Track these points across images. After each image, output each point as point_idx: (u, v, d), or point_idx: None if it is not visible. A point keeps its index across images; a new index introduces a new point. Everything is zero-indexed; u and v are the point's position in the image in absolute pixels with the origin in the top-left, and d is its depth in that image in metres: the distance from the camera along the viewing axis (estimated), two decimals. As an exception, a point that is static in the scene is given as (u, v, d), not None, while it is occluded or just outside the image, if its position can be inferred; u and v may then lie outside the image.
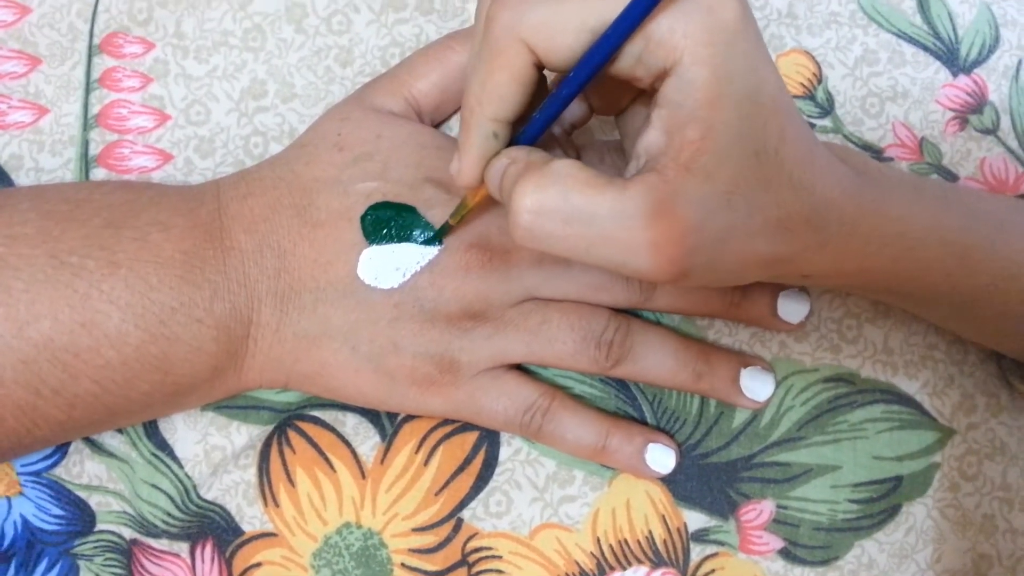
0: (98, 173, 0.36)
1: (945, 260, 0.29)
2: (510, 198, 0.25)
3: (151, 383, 0.31)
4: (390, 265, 0.31)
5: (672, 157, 0.24)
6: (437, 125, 0.37)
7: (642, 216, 0.24)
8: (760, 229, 0.25)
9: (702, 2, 0.24)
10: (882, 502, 0.34)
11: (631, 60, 0.25)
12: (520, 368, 0.34)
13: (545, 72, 0.26)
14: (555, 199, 0.24)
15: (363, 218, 0.32)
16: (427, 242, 0.31)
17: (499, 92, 0.26)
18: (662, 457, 0.33)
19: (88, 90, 0.37)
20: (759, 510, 0.34)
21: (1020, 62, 0.37)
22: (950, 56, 0.37)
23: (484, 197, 0.29)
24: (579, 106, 0.30)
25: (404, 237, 0.32)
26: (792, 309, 0.34)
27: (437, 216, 0.32)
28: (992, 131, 0.36)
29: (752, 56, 0.24)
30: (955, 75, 0.37)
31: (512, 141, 0.27)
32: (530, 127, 0.27)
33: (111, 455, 0.35)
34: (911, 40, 0.37)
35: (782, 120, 0.25)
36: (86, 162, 0.36)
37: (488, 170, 0.27)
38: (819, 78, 0.36)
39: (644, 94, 0.27)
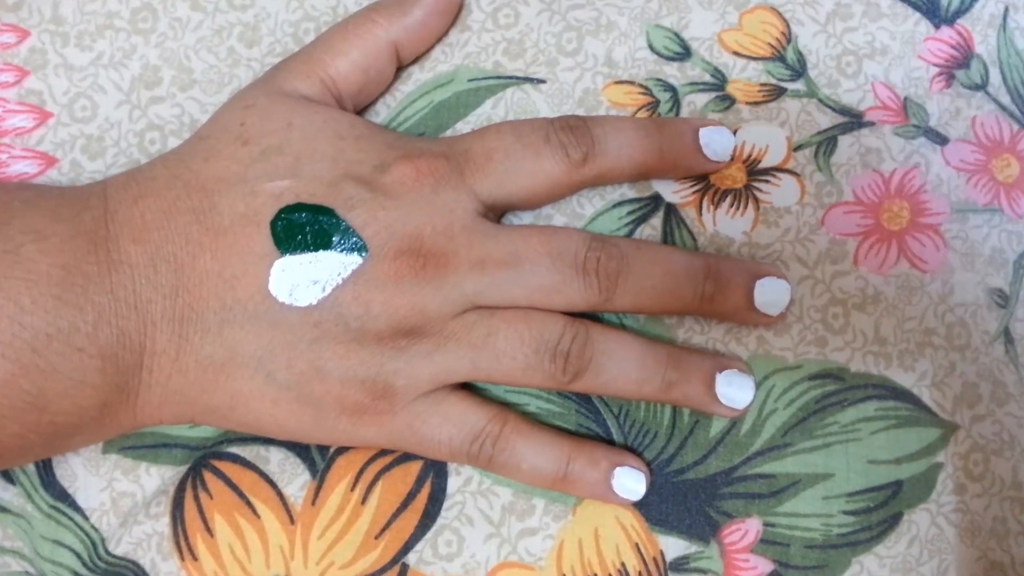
0: (-33, 184, 0.31)
1: None
2: None
3: (23, 424, 0.26)
4: (307, 278, 0.27)
5: None
6: (360, 112, 0.32)
7: None
8: None
9: None
10: (881, 511, 0.30)
11: None
12: (467, 386, 0.30)
13: None
14: None
15: (273, 223, 0.27)
16: (347, 249, 0.27)
17: None
18: (631, 482, 0.29)
19: (-50, 88, 0.32)
20: (744, 530, 0.30)
21: (1007, 9, 0.33)
22: (931, 6, 0.33)
23: None
24: None
25: (322, 244, 0.27)
26: (771, 299, 0.30)
27: (359, 218, 0.27)
28: (981, 87, 0.33)
29: None
30: (937, 27, 0.33)
31: None
32: None
33: (4, 510, 0.30)
34: (888, -10, 0.33)
35: None
36: (-48, 172, 0.31)
37: None
38: (788, 37, 0.32)
39: None
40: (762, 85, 0.32)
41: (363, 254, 0.27)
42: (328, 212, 0.27)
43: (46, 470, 0.30)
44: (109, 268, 0.27)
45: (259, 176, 0.28)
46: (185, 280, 0.27)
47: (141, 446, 0.30)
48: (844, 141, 0.32)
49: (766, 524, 0.30)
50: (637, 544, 0.30)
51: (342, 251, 0.27)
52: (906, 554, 0.30)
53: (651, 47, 0.32)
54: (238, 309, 0.27)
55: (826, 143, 0.32)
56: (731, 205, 0.31)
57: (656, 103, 0.32)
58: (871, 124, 0.32)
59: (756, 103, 0.32)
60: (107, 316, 0.26)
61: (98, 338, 0.26)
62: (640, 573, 0.30)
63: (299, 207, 0.27)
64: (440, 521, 0.30)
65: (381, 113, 0.32)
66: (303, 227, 0.27)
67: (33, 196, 0.28)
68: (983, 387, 0.31)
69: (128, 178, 0.29)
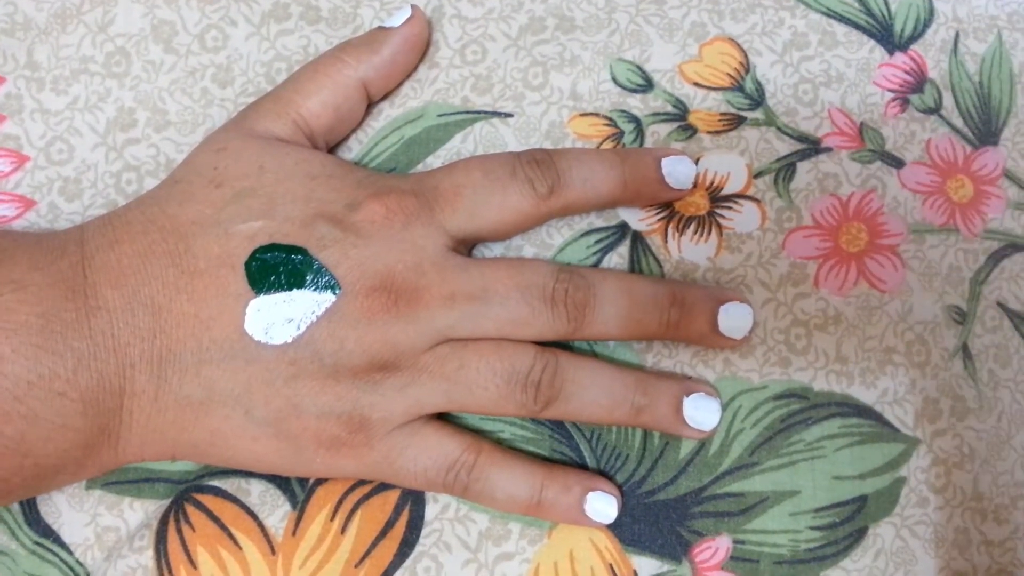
0: (-54, 229, 0.32)
1: None
2: None
3: (7, 468, 0.27)
4: (282, 316, 0.28)
5: None
6: (332, 149, 0.33)
7: None
8: None
9: None
10: (847, 526, 0.31)
11: None
12: (442, 416, 0.30)
13: None
14: None
15: (248, 264, 0.28)
16: (321, 287, 0.28)
17: None
18: (603, 506, 0.30)
19: (-72, 135, 0.32)
20: (714, 548, 0.31)
21: (957, 35, 0.34)
22: (885, 33, 0.34)
23: None
24: None
25: (296, 283, 0.28)
26: (735, 324, 0.31)
27: (332, 257, 0.28)
28: (935, 110, 0.34)
29: None
30: (891, 53, 0.34)
31: None
32: None
33: (-11, 547, 0.31)
34: (842, 19, 0.34)
35: None
36: (-69, 218, 0.32)
37: None
38: (746, 67, 0.33)
39: None
40: (722, 115, 0.33)
41: (336, 292, 0.28)
42: (301, 252, 0.28)
43: (30, 507, 0.31)
44: (87, 314, 0.27)
45: (233, 218, 0.28)
46: (162, 322, 0.28)
47: (124, 481, 0.31)
48: (802, 167, 0.33)
49: (736, 541, 0.31)
50: (611, 565, 0.31)
51: (315, 290, 0.28)
52: (872, 567, 0.31)
53: (614, 80, 0.33)
54: (215, 349, 0.28)
55: (785, 169, 0.32)
56: (695, 232, 0.32)
57: (620, 134, 0.33)
58: (828, 150, 0.33)
59: (717, 132, 0.33)
60: (86, 361, 0.27)
61: (78, 382, 0.27)
62: (614, 594, 0.31)
63: (273, 247, 0.28)
64: (419, 548, 0.31)
65: (353, 149, 0.33)
66: (277, 267, 0.28)
67: (10, 245, 0.28)
68: (943, 402, 0.32)
69: (104, 223, 0.29)
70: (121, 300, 0.28)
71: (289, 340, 0.28)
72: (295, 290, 0.28)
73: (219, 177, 0.29)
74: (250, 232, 0.28)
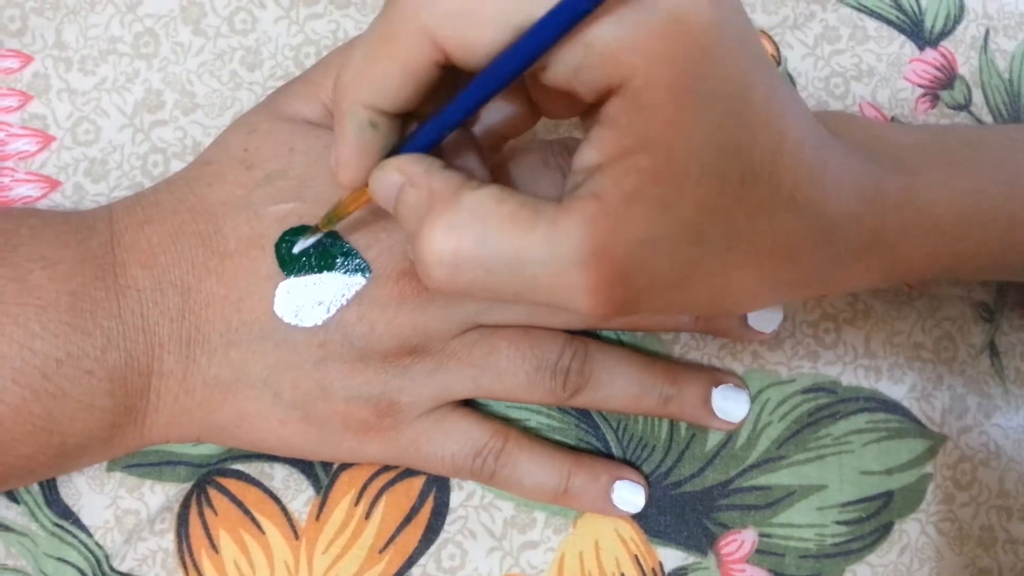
0: (-28, 207, 0.32)
1: (992, 239, 0.26)
2: (417, 241, 0.21)
3: (34, 446, 0.26)
4: (312, 299, 0.27)
5: (615, 183, 0.20)
6: (359, 133, 0.33)
7: (577, 255, 0.20)
8: (746, 261, 0.22)
9: (661, 5, 0.19)
10: (873, 521, 0.31)
11: (566, 71, 0.20)
12: (469, 403, 0.30)
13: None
14: (473, 245, 0.21)
15: (278, 246, 0.28)
16: (351, 270, 0.28)
17: (381, 81, 0.22)
18: (630, 495, 0.29)
19: (-45, 113, 0.32)
20: (740, 541, 0.31)
21: (988, 31, 0.34)
22: (915, 29, 0.34)
23: (366, 202, 0.25)
24: (518, 108, 0.25)
25: (326, 266, 0.28)
26: (764, 318, 0.30)
27: (362, 240, 0.28)
28: (965, 106, 0.34)
29: (733, 64, 0.20)
30: (922, 49, 0.34)
31: (404, 144, 0.23)
32: (423, 132, 0.23)
33: (7, 529, 0.31)
34: (873, 14, 0.34)
35: (780, 130, 0.21)
36: (-43, 195, 0.32)
37: (377, 180, 0.23)
38: (778, 60, 0.33)
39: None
40: (753, 106, 0.33)
41: (366, 275, 0.28)
42: (332, 234, 0.28)
43: (50, 489, 0.31)
44: (116, 293, 0.27)
45: (263, 200, 0.28)
46: (191, 303, 0.27)
47: (145, 464, 0.31)
48: (833, 160, 0.32)
49: (762, 535, 0.31)
50: (636, 556, 0.30)
51: (346, 272, 0.28)
52: (897, 562, 0.31)
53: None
54: (244, 330, 0.27)
55: (816, 162, 0.32)
56: (724, 223, 0.32)
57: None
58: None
59: (747, 124, 0.33)
60: (115, 340, 0.27)
61: (107, 361, 0.26)
62: (639, 585, 0.30)
63: (303, 230, 0.28)
64: (443, 535, 0.30)
65: (381, 135, 0.33)
66: (307, 249, 0.28)
67: (39, 223, 0.28)
68: (970, 399, 0.32)
69: (134, 203, 0.29)
70: (150, 280, 0.27)
71: (319, 323, 0.27)
72: (325, 273, 0.28)
73: (250, 158, 0.29)
74: (281, 214, 0.28)
